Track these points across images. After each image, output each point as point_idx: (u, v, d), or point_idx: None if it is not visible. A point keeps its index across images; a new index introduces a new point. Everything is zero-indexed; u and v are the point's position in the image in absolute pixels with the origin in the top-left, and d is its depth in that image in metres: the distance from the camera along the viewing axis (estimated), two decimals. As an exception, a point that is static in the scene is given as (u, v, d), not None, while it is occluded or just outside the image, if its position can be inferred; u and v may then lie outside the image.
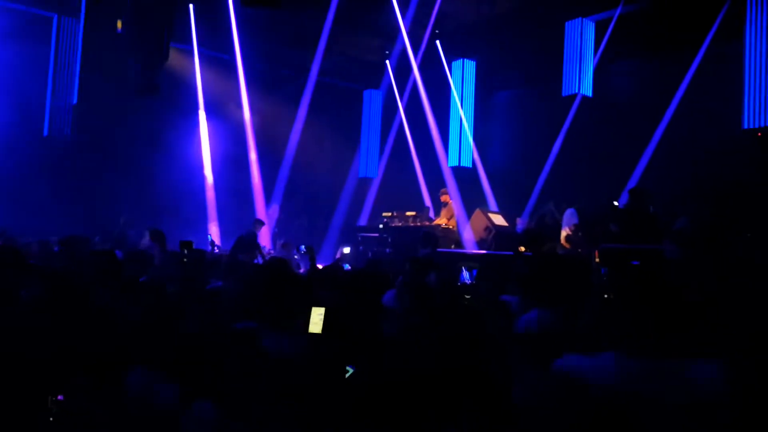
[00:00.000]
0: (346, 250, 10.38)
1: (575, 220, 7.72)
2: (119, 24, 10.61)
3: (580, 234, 7.48)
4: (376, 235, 10.63)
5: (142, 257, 4.58)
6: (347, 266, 6.73)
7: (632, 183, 10.09)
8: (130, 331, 2.46)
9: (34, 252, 5.09)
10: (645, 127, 10.54)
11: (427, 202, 12.99)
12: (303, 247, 5.78)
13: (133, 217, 9.94)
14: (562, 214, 8.11)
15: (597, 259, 6.30)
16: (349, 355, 2.17)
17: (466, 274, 6.48)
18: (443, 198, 10.61)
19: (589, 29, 11.45)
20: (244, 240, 8.89)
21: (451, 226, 10.18)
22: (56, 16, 11.03)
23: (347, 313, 2.81)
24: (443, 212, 10.43)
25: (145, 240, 6.89)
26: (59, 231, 8.28)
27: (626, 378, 1.66)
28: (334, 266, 5.27)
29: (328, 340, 2.31)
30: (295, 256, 10.45)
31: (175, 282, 3.68)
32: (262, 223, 9.78)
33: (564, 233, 7.71)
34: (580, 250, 6.97)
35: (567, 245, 7.50)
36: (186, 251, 4.42)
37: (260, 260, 8.73)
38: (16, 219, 8.92)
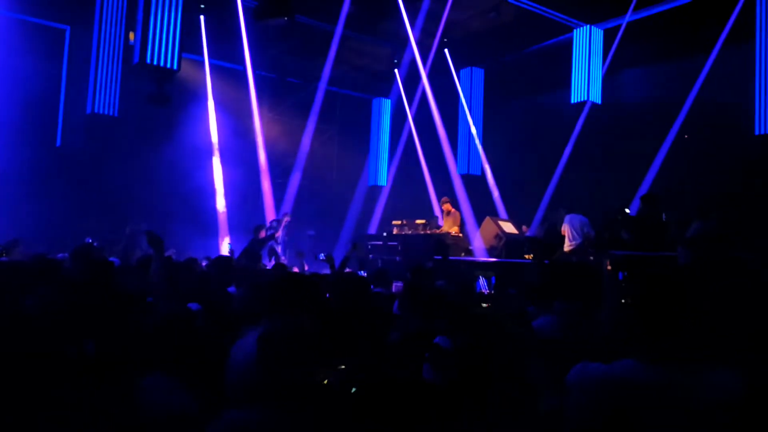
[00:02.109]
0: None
1: (590, 231, 7.70)
2: (131, 36, 10.75)
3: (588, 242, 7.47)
4: (386, 243, 10.65)
5: (138, 272, 4.44)
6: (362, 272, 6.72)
7: (643, 190, 10.04)
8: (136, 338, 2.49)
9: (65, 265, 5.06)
10: (655, 133, 10.50)
11: (436, 210, 12.99)
12: (322, 255, 5.79)
13: (140, 227, 9.93)
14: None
15: (609, 267, 6.28)
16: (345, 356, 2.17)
17: (483, 282, 6.46)
18: (445, 207, 10.59)
19: (598, 36, 11.47)
20: (248, 249, 8.94)
21: (458, 234, 10.17)
22: (69, 28, 11.20)
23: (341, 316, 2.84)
24: (448, 220, 10.40)
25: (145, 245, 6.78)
26: (72, 240, 8.38)
27: (645, 385, 1.65)
28: (341, 272, 5.28)
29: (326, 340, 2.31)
30: (306, 267, 10.47)
31: (166, 299, 3.63)
32: (261, 227, 9.85)
33: (571, 245, 7.67)
34: (591, 257, 6.96)
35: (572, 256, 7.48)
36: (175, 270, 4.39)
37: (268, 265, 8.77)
38: (30, 229, 9.01)
